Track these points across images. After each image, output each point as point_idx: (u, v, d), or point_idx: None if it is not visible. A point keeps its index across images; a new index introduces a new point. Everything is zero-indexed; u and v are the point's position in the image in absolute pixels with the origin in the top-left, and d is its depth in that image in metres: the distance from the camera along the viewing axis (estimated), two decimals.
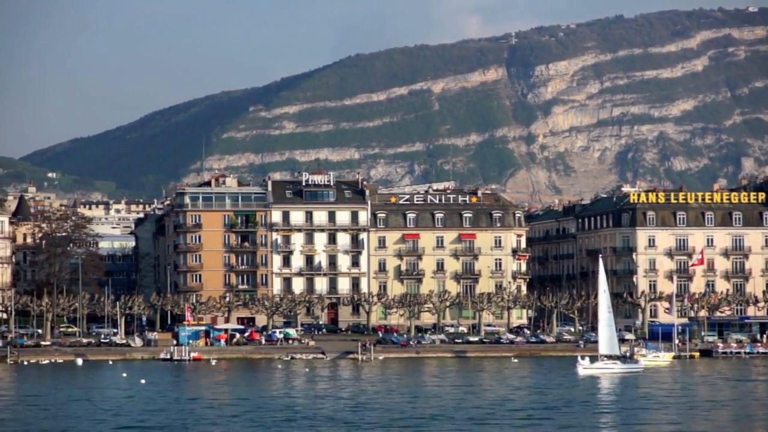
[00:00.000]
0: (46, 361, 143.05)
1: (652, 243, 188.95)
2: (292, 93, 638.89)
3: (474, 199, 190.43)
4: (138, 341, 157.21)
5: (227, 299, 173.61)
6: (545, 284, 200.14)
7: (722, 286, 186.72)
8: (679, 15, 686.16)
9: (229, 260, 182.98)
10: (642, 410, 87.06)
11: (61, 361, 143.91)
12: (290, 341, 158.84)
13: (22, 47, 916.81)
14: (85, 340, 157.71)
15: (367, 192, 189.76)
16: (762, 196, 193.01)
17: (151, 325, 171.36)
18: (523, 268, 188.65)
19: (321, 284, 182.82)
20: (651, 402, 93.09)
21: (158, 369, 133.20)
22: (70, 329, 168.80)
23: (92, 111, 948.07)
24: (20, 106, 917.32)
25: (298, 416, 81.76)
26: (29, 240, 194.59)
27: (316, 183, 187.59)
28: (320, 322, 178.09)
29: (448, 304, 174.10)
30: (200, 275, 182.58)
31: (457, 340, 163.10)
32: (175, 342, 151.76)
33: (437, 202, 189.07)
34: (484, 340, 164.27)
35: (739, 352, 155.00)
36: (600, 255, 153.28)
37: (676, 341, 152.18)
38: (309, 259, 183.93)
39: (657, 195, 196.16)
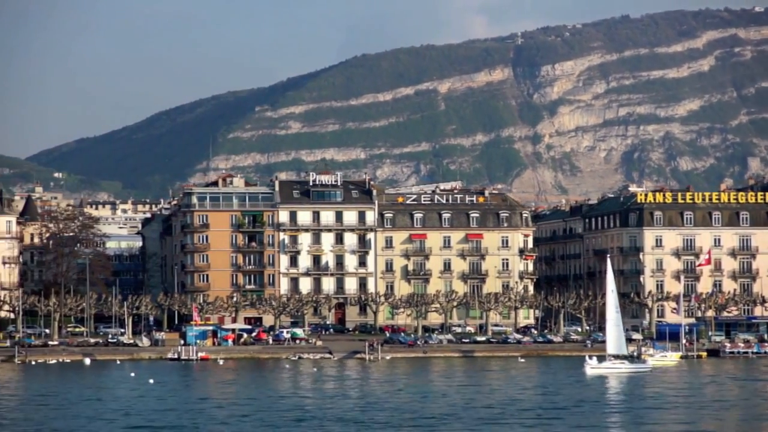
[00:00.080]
0: (54, 361, 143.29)
1: (659, 243, 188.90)
2: (298, 93, 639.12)
3: (481, 199, 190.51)
4: (145, 341, 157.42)
5: (234, 299, 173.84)
6: (552, 284, 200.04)
7: (729, 286, 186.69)
8: (685, 15, 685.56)
9: (236, 260, 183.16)
10: (651, 410, 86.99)
11: (68, 360, 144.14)
12: (297, 341, 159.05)
13: (22, 47, 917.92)
14: (92, 340, 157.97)
15: (375, 192, 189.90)
16: None
17: (159, 325, 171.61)
18: (530, 268, 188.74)
19: (328, 284, 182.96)
20: (660, 402, 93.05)
21: (166, 369, 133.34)
22: (77, 329, 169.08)
23: (98, 111, 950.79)
24: (25, 106, 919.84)
25: (308, 416, 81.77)
26: (36, 240, 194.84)
27: (324, 183, 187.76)
28: (327, 322, 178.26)
29: (455, 304, 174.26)
30: (207, 275, 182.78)
31: (464, 340, 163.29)
32: (182, 342, 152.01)
33: (444, 202, 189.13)
34: (492, 340, 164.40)
35: (746, 352, 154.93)
36: (608, 255, 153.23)
37: (684, 341, 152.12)
38: (316, 259, 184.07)
39: (664, 195, 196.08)
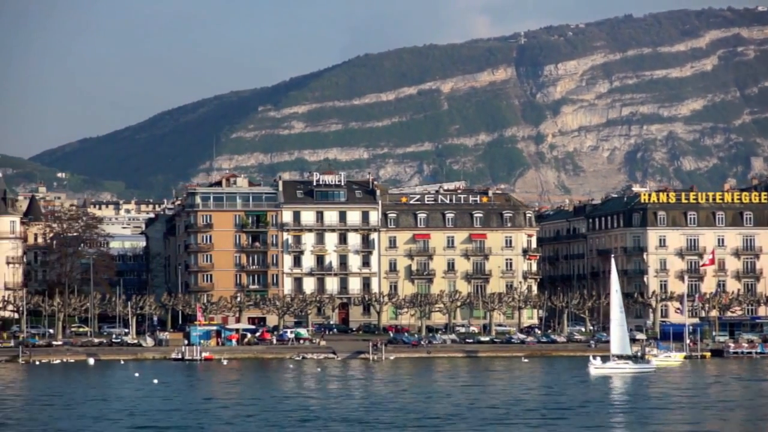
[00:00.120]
0: (58, 361, 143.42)
1: (662, 243, 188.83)
2: (301, 93, 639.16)
3: (485, 199, 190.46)
4: (149, 341, 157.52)
5: (238, 299, 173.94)
6: (556, 284, 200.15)
7: (733, 286, 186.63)
8: (688, 14, 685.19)
9: (240, 260, 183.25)
10: (656, 410, 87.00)
11: (72, 360, 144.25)
12: (301, 341, 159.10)
13: (22, 47, 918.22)
14: (96, 340, 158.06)
15: (378, 192, 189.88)
16: None
17: (163, 325, 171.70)
18: (534, 268, 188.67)
19: (332, 284, 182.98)
20: (664, 402, 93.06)
21: (170, 369, 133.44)
22: (81, 329, 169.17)
23: (100, 111, 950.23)
24: (26, 106, 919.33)
25: (312, 416, 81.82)
26: (40, 240, 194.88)
27: (327, 183, 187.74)
28: (331, 322, 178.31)
29: (458, 304, 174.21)
30: (211, 275, 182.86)
31: (468, 340, 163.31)
32: (186, 342, 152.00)
33: (448, 202, 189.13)
34: (495, 340, 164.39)
35: (750, 352, 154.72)
36: (612, 255, 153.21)
37: (688, 341, 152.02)
38: (320, 259, 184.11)
39: (668, 195, 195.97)
